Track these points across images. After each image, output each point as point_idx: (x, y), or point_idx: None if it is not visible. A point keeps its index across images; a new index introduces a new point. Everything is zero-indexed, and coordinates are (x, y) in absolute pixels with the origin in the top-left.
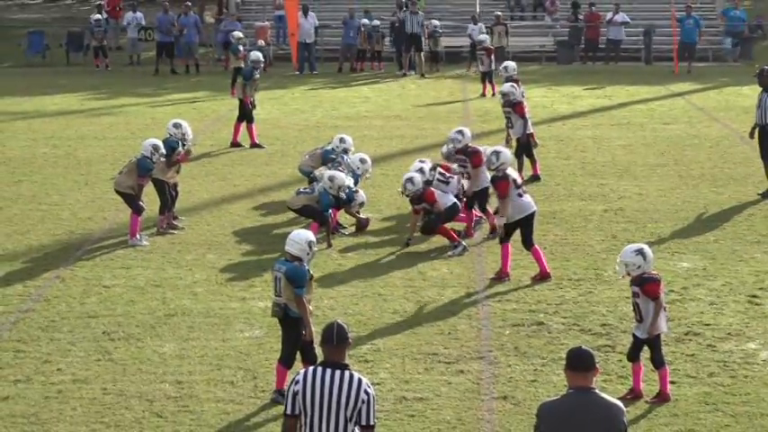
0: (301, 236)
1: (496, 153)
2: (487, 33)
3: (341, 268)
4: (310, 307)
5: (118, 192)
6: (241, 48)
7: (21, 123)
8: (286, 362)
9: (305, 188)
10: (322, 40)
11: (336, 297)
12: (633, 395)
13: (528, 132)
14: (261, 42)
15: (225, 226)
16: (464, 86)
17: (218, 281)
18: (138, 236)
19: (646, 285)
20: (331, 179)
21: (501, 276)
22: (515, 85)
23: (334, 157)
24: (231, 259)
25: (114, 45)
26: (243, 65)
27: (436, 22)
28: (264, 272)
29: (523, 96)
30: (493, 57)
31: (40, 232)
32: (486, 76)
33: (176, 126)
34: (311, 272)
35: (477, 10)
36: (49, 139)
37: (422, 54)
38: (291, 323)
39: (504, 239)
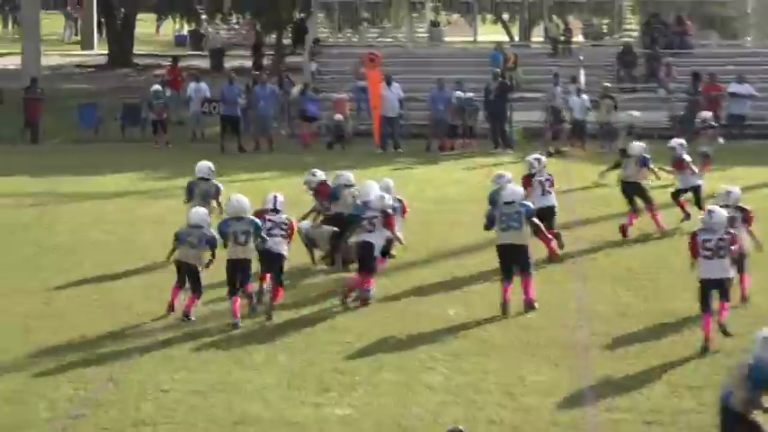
0: None
1: (710, 212)
2: (593, 106)
3: (428, 371)
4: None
5: None
6: None
7: (70, 206)
8: None
9: None
10: (408, 114)
11: (425, 404)
12: None
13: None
14: (338, 117)
15: (297, 324)
16: (567, 167)
17: (291, 384)
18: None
19: None
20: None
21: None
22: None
23: None
24: (304, 360)
25: (175, 119)
26: None
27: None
28: (341, 375)
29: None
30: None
31: (91, 327)
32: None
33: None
34: None
35: (582, 80)
36: (102, 224)
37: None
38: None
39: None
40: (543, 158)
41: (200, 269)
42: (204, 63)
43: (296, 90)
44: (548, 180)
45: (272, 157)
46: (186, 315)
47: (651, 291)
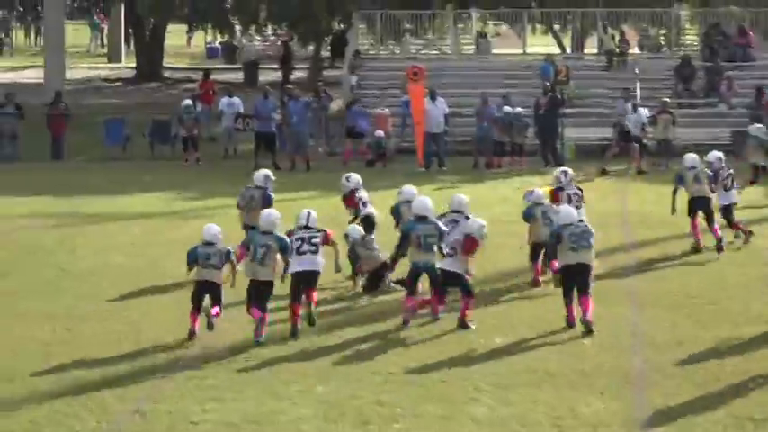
0: None
1: None
2: (650, 122)
3: (473, 402)
4: None
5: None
6: None
7: (95, 228)
8: None
9: None
10: (453, 131)
11: None
12: None
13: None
14: (379, 133)
15: (336, 352)
16: (623, 186)
17: (327, 417)
18: None
19: None
20: None
21: None
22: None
23: None
24: (343, 391)
25: (206, 135)
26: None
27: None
28: (381, 407)
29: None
30: None
31: (117, 356)
32: None
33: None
34: None
35: (639, 95)
36: (129, 247)
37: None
38: None
39: None
40: (570, 171)
41: (222, 285)
42: (237, 77)
43: (335, 105)
44: (575, 194)
45: (308, 176)
46: (210, 323)
47: (711, 316)
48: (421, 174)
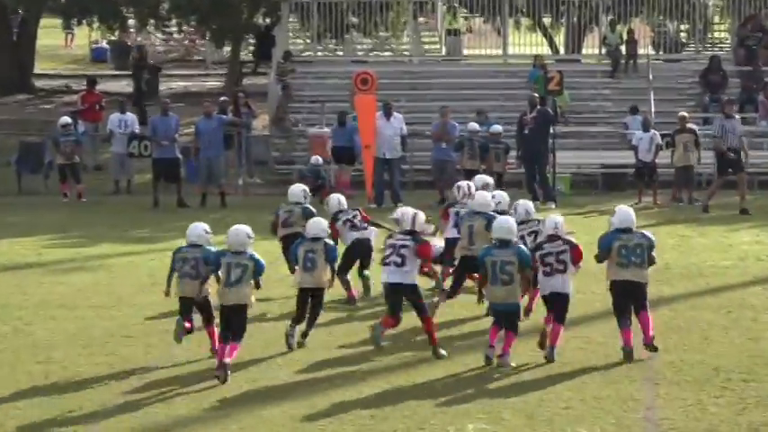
0: None
1: None
2: (666, 145)
3: None
4: None
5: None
6: None
7: None
8: None
9: None
10: (413, 156)
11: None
12: None
13: None
14: (317, 159)
15: (330, 414)
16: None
17: None
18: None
19: None
20: None
21: None
22: None
23: None
24: None
25: (91, 163)
26: None
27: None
28: None
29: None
30: None
31: None
32: None
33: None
34: None
35: (653, 110)
36: None
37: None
38: None
39: None
40: (464, 187)
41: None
42: (132, 87)
43: (259, 122)
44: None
45: (224, 216)
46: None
47: (748, 395)
48: (370, 211)
